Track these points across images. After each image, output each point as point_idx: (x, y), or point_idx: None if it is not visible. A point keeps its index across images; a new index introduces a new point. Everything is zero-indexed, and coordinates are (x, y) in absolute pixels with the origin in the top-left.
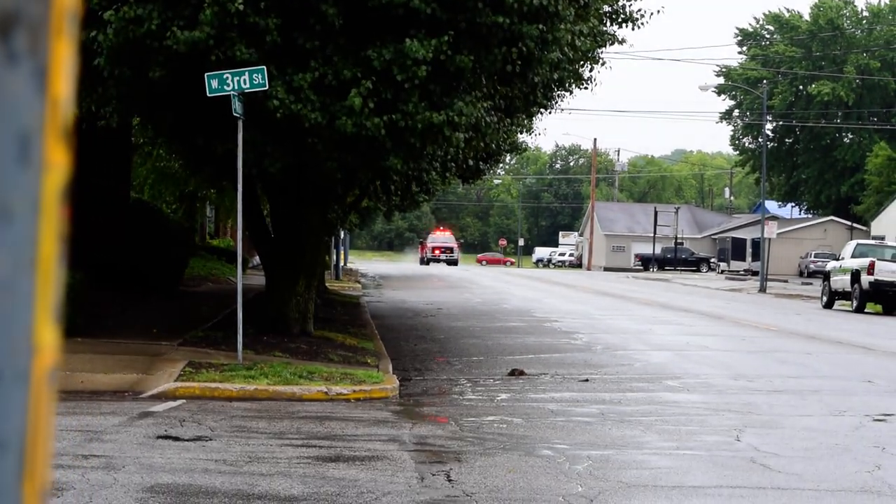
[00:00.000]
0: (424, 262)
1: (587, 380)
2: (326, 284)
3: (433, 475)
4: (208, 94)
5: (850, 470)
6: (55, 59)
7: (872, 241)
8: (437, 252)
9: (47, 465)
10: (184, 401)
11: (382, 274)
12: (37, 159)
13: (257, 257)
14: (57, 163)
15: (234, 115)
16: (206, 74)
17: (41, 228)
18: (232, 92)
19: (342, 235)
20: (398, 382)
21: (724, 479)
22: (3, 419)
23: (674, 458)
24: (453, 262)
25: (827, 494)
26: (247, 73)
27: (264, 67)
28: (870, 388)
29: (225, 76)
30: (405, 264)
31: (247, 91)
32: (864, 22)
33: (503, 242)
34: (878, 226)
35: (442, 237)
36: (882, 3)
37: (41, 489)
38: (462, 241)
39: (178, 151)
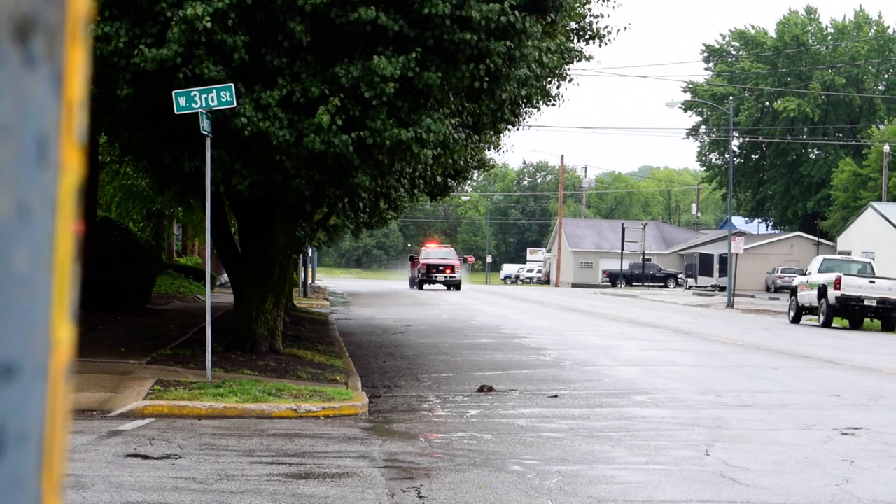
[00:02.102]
0: (416, 283)
1: (556, 395)
2: (294, 302)
3: (403, 491)
4: (176, 112)
5: (818, 483)
6: (70, 64)
7: (839, 256)
8: (432, 272)
9: (64, 459)
10: (152, 419)
11: (351, 291)
12: (54, 160)
13: (225, 275)
14: (72, 164)
15: (202, 132)
16: (173, 92)
17: (58, 228)
18: (199, 110)
19: (310, 253)
20: (367, 399)
21: (694, 494)
22: (24, 413)
23: (644, 473)
24: (454, 285)
25: None
26: (214, 91)
27: (232, 85)
28: (838, 402)
29: (192, 94)
30: (383, 283)
31: (214, 109)
32: (829, 38)
33: (471, 259)
34: (845, 241)
35: (438, 252)
36: (846, 20)
37: (58, 483)
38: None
39: (145, 169)
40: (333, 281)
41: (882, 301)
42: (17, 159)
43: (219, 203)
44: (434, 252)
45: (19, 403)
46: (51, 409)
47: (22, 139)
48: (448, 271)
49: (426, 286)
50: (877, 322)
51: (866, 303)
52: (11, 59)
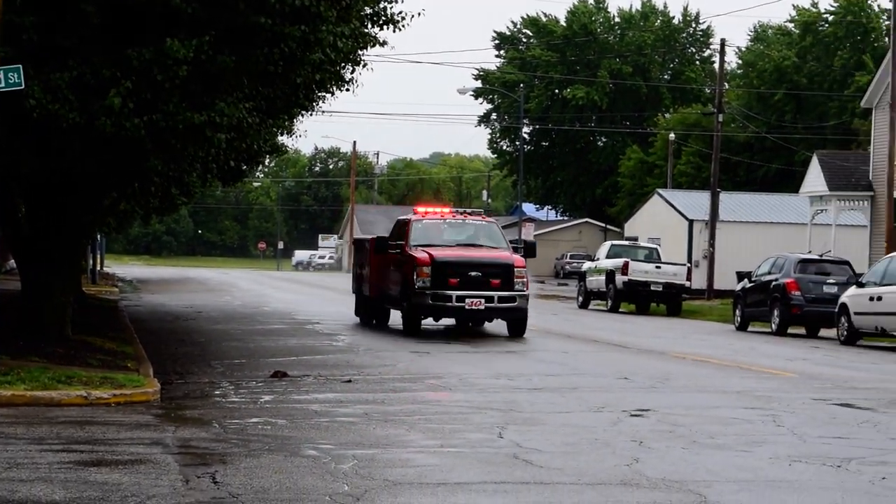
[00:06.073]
0: (410, 311)
1: (350, 380)
2: (83, 288)
3: (198, 477)
4: None
5: (609, 464)
6: None
7: (626, 242)
8: (452, 284)
9: None
10: None
11: (140, 278)
12: None
13: (12, 261)
14: None
15: None
16: None
17: None
18: None
19: (99, 239)
20: (160, 386)
21: (489, 475)
22: None
23: (438, 456)
24: (514, 320)
25: (587, 488)
26: (1, 72)
27: (20, 66)
28: (626, 385)
29: None
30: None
31: (2, 90)
32: (617, 28)
33: (262, 246)
34: (632, 227)
35: (460, 229)
36: (633, 10)
37: None
38: (221, 243)
39: None
40: (122, 268)
41: (668, 286)
42: None
43: (6, 186)
44: (447, 230)
45: None
46: None
47: None
48: (495, 282)
49: (428, 320)
50: (662, 307)
51: (652, 288)
52: None
